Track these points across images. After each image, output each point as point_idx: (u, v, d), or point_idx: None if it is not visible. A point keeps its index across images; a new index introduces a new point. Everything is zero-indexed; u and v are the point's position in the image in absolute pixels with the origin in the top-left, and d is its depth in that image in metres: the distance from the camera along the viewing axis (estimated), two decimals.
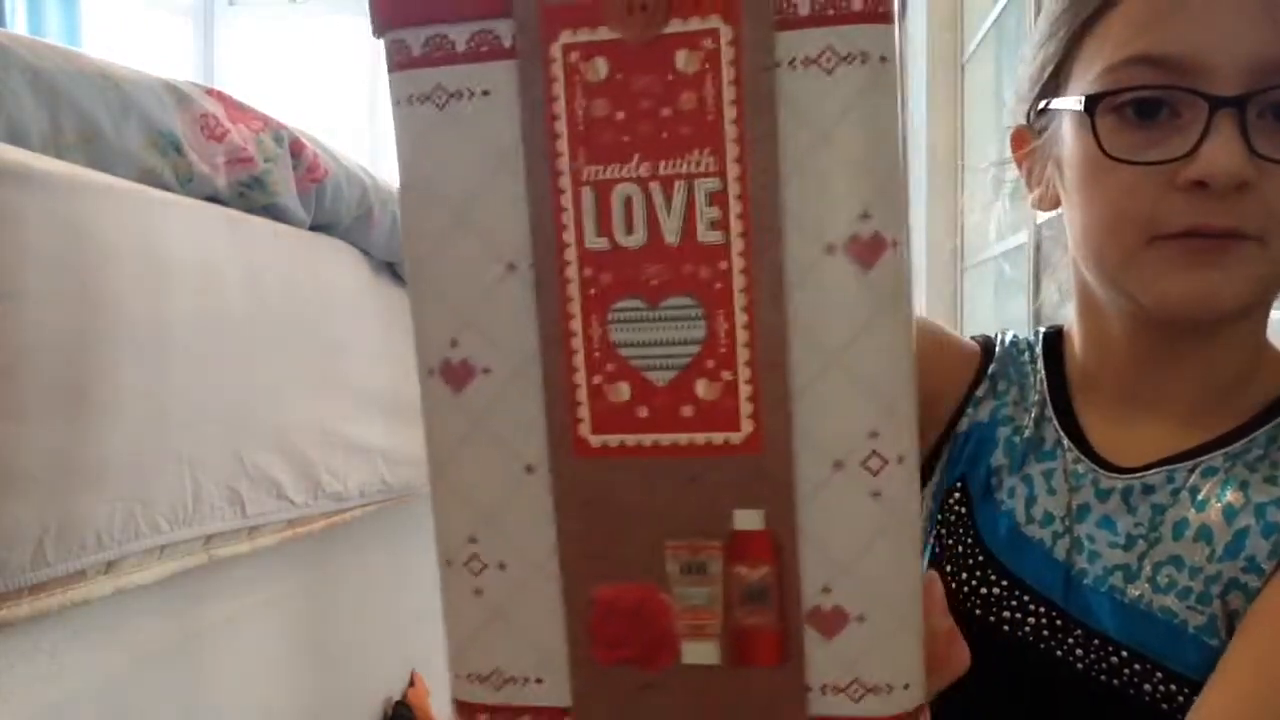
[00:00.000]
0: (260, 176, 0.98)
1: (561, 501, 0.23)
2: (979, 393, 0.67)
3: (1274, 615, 0.52)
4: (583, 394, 0.23)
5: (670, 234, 0.21)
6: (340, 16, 4.05)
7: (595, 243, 0.22)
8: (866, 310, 0.22)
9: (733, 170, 0.21)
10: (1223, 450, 0.58)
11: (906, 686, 0.23)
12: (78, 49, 0.85)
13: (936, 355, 0.68)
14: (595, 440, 0.23)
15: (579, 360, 0.22)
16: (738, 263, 0.21)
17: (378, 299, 1.27)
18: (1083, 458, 0.62)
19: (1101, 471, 0.61)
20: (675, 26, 0.21)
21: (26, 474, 0.67)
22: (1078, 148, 0.57)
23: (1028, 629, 0.60)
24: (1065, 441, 0.63)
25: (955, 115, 2.96)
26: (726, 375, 0.22)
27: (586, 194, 0.21)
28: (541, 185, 0.22)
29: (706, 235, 0.21)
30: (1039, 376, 0.67)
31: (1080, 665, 0.58)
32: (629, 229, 0.22)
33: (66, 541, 0.71)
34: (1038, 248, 1.99)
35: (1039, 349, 0.68)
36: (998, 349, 0.70)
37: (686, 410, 0.22)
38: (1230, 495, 0.56)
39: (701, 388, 0.22)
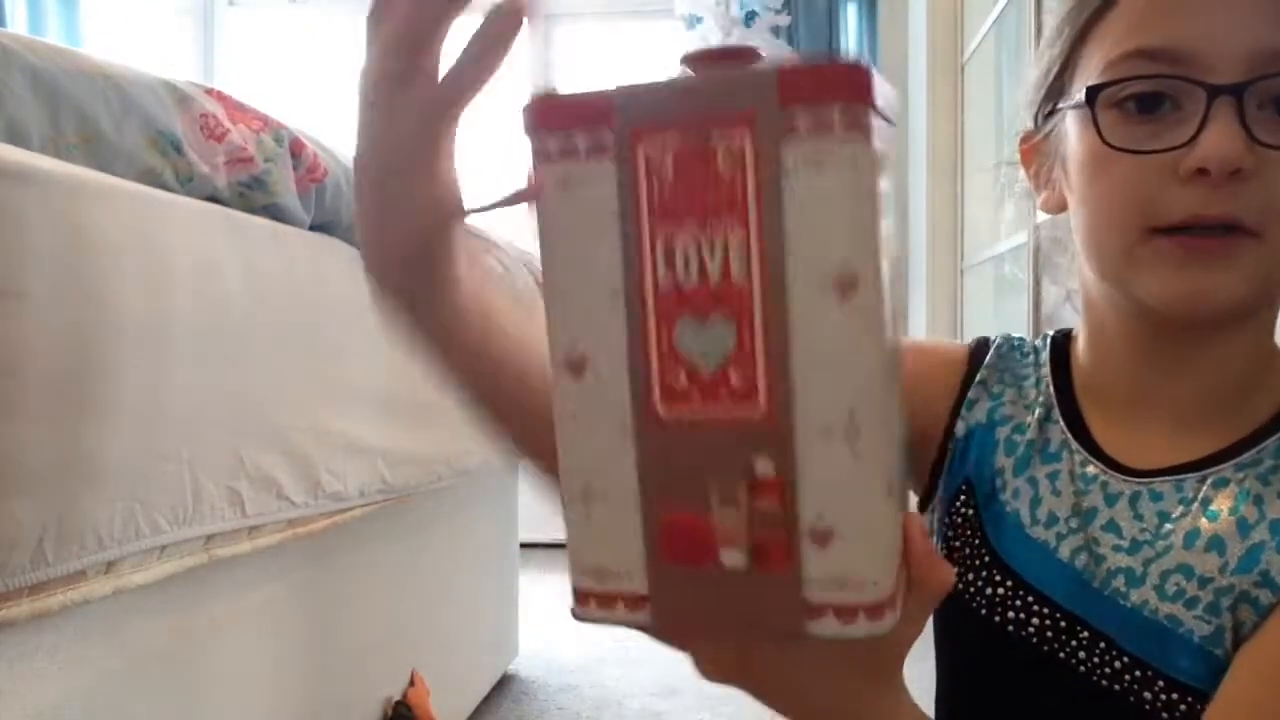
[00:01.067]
0: (260, 176, 0.98)
1: (643, 455, 0.34)
2: (971, 395, 0.67)
3: None
4: (656, 381, 0.34)
5: (713, 274, 0.33)
6: (340, 16, 4.04)
7: (665, 279, 0.33)
8: (846, 330, 0.32)
9: (754, 231, 0.32)
10: (1233, 461, 0.57)
11: (876, 583, 0.33)
12: (78, 49, 0.85)
13: (916, 362, 0.68)
14: (664, 413, 0.34)
15: (655, 358, 0.33)
16: (757, 295, 0.32)
17: None
18: (1092, 460, 0.62)
19: (1111, 474, 0.60)
20: (716, 137, 0.32)
21: (27, 474, 0.67)
22: (1081, 143, 0.57)
23: (1031, 630, 0.61)
24: (1073, 444, 0.63)
25: (955, 115, 2.96)
26: (749, 370, 0.32)
27: (660, 247, 0.33)
28: (631, 241, 0.33)
29: (737, 275, 0.32)
30: (1044, 379, 0.67)
31: (1082, 669, 0.58)
32: (686, 271, 0.33)
33: (66, 541, 0.71)
34: (1037, 248, 1.99)
35: (1045, 353, 0.68)
36: (990, 353, 0.70)
37: (723, 393, 0.33)
38: (1244, 509, 0.55)
39: (734, 377, 0.33)
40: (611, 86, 0.33)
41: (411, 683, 1.48)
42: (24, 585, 0.68)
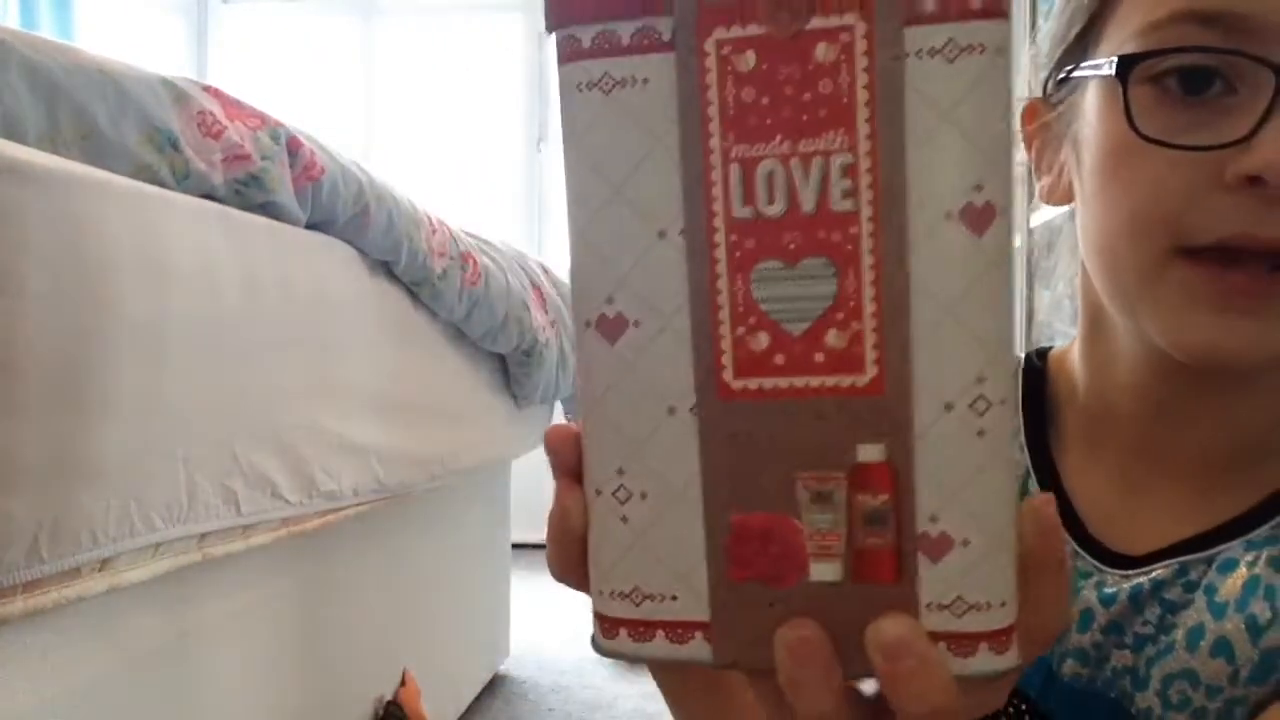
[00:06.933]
0: (257, 174, 0.98)
1: (705, 438, 0.27)
2: None
3: None
4: (726, 344, 0.26)
5: (807, 203, 0.25)
6: (334, 14, 4.04)
7: (741, 212, 0.25)
8: (977, 269, 0.25)
9: (864, 146, 0.25)
10: (1243, 537, 0.47)
11: (1003, 604, 0.26)
12: (75, 45, 0.85)
13: None
14: (737, 384, 0.26)
15: (724, 314, 0.26)
16: (866, 227, 0.25)
17: (373, 297, 1.27)
18: (1081, 553, 0.51)
19: (1107, 571, 0.50)
20: (816, 23, 0.25)
21: (22, 470, 0.67)
22: (1103, 125, 0.45)
23: None
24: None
25: None
26: (855, 326, 0.25)
27: (734, 170, 0.25)
28: (695, 162, 0.26)
29: (840, 204, 0.25)
30: (1019, 439, 0.56)
31: None
32: (770, 200, 0.25)
33: (61, 539, 0.70)
34: (1031, 252, 2.00)
35: (1019, 394, 0.56)
36: None
37: (818, 357, 0.26)
38: (1255, 605, 0.45)
39: (832, 337, 0.25)
40: None
41: (403, 682, 1.48)
42: (19, 582, 0.68)
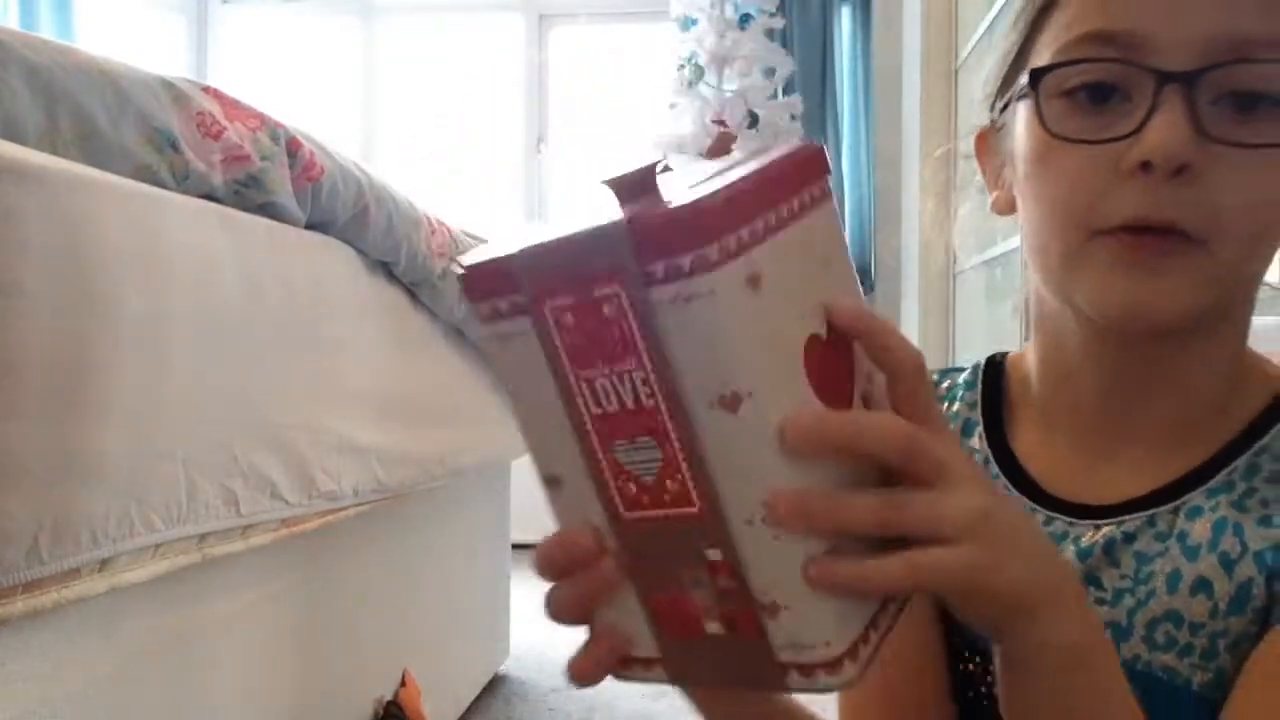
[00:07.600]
0: (257, 175, 0.98)
1: (620, 549, 0.39)
2: None
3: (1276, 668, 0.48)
4: (613, 491, 0.38)
5: (629, 403, 0.36)
6: (333, 14, 4.04)
7: (595, 410, 0.37)
8: (742, 440, 0.35)
9: (647, 366, 0.35)
10: (1204, 486, 0.53)
11: (827, 643, 0.37)
12: (74, 45, 0.85)
13: None
14: (627, 515, 0.38)
15: (605, 473, 0.38)
16: (664, 416, 0.36)
17: (373, 298, 1.27)
18: (1055, 516, 0.56)
19: (1079, 524, 0.55)
20: (598, 292, 0.35)
21: (22, 471, 0.67)
22: (1027, 135, 0.53)
23: None
24: (1024, 502, 0.57)
25: (948, 120, 2.97)
26: (679, 477, 0.36)
27: (584, 386, 0.37)
28: (564, 381, 0.37)
29: (645, 402, 0.36)
30: (976, 425, 0.61)
31: None
32: (608, 402, 0.36)
33: (61, 539, 0.71)
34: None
35: (977, 390, 0.62)
36: None
37: (667, 496, 0.37)
38: (1225, 543, 0.51)
39: (669, 484, 0.37)
40: (516, 249, 0.37)
41: (403, 683, 1.48)
42: (18, 583, 0.68)
